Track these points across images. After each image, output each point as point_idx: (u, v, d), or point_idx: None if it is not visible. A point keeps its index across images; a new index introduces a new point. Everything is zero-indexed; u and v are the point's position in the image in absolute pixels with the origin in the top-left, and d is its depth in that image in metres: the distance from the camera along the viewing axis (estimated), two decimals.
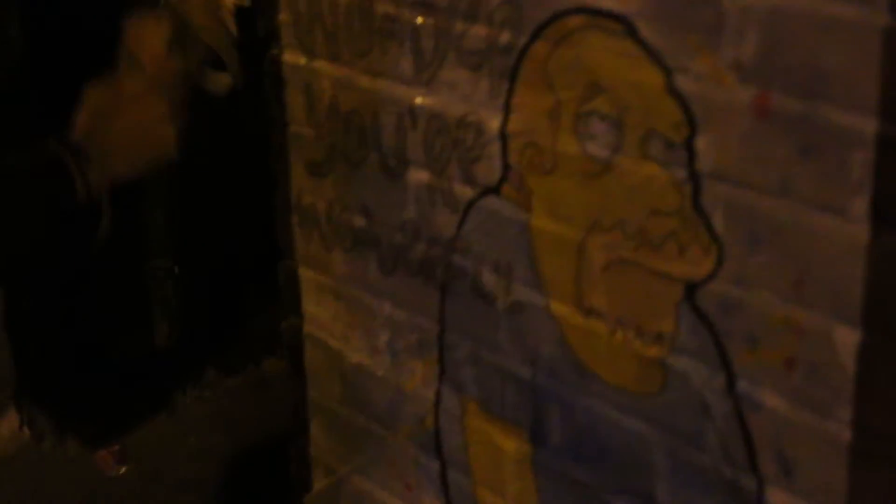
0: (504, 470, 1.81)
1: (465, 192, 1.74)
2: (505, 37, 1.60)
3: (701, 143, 1.41)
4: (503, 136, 1.65)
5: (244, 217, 4.20)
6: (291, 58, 1.96)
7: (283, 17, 1.96)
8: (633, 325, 1.55)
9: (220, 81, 3.20)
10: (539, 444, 1.74)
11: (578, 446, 1.68)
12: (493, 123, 1.66)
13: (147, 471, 3.82)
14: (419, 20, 1.71)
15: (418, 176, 1.80)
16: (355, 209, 1.92)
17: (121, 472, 3.81)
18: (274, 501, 2.39)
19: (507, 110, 1.63)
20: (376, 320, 1.96)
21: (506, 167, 1.66)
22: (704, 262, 1.44)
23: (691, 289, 1.47)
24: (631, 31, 1.45)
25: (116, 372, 3.78)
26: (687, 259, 1.46)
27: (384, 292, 1.93)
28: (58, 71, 3.55)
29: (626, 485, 1.63)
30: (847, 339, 1.31)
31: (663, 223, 1.47)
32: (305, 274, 2.07)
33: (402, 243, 1.86)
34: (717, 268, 1.43)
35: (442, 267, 1.80)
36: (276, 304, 4.39)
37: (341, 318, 2.03)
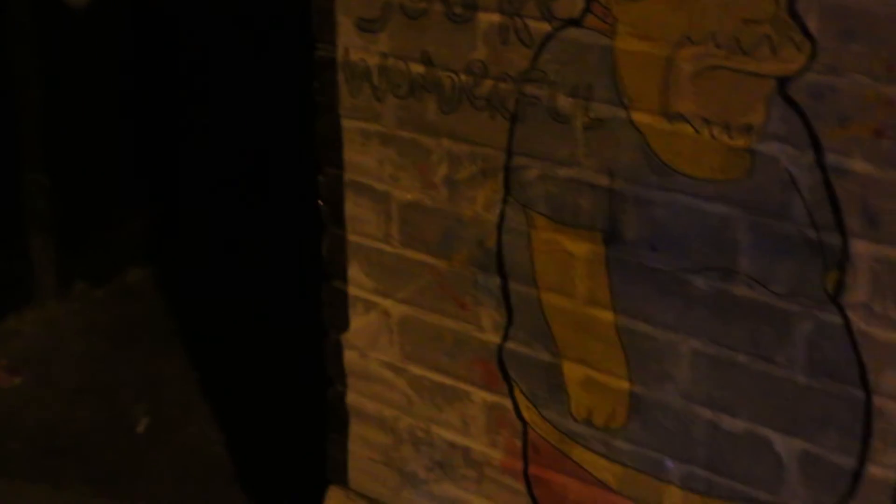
0: (574, 272, 2.08)
1: (541, 27, 1.99)
2: None
3: None
4: None
5: (111, 128, 4.30)
6: None
7: None
8: (721, 121, 1.84)
9: None
10: (613, 242, 2.02)
11: (656, 237, 1.97)
12: None
13: (41, 381, 3.90)
14: None
15: (489, 18, 2.03)
16: (413, 58, 2.14)
17: (16, 384, 3.88)
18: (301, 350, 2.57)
19: None
20: (432, 157, 2.18)
21: (589, 0, 1.92)
22: (797, 58, 1.75)
23: (783, 82, 1.78)
24: None
25: None
26: (779, 58, 1.77)
27: (442, 131, 2.15)
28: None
29: (705, 263, 1.93)
30: None
31: (756, 30, 1.77)
32: (349, 125, 2.26)
33: (467, 83, 2.09)
34: (810, 62, 1.74)
35: (512, 98, 2.05)
36: (141, 215, 4.49)
37: (390, 162, 2.24)
